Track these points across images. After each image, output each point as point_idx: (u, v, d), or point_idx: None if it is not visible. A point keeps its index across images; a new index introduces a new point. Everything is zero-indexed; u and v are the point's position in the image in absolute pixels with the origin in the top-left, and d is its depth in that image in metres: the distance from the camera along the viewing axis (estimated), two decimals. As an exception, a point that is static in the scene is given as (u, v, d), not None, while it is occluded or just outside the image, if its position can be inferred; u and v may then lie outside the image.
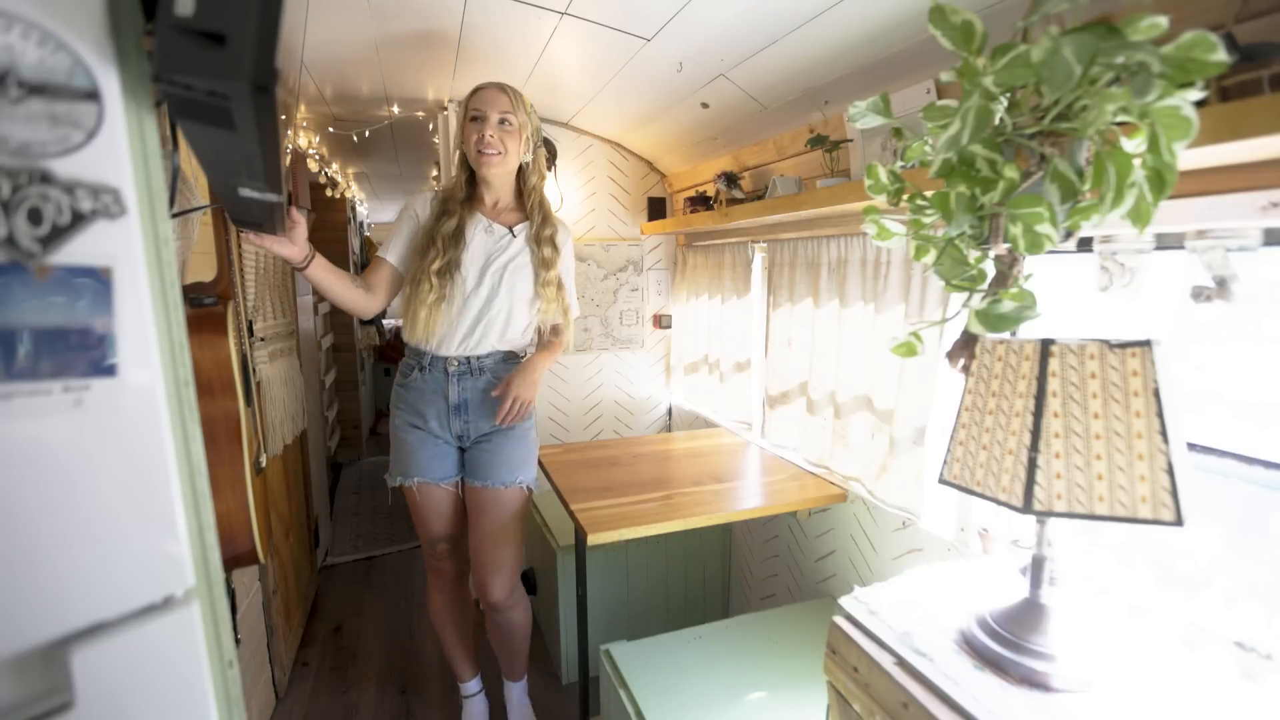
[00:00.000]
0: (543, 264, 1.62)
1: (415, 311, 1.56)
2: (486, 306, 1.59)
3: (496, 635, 1.80)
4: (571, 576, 2.04)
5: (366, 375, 5.03)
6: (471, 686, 1.90)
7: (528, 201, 1.64)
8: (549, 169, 1.72)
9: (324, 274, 1.43)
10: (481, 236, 1.60)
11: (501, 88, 1.53)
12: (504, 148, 1.53)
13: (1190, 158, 0.78)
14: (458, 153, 1.62)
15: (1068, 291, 1.14)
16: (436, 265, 1.55)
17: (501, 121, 1.52)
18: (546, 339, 1.72)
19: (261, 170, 0.56)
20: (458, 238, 1.58)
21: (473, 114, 1.52)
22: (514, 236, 1.62)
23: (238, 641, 1.62)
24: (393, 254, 1.62)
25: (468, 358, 1.61)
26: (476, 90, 1.53)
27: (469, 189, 1.64)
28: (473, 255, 1.58)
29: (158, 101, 0.43)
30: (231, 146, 0.47)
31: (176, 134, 0.81)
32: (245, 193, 0.61)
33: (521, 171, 1.63)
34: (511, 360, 1.66)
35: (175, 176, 0.73)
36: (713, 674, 1.50)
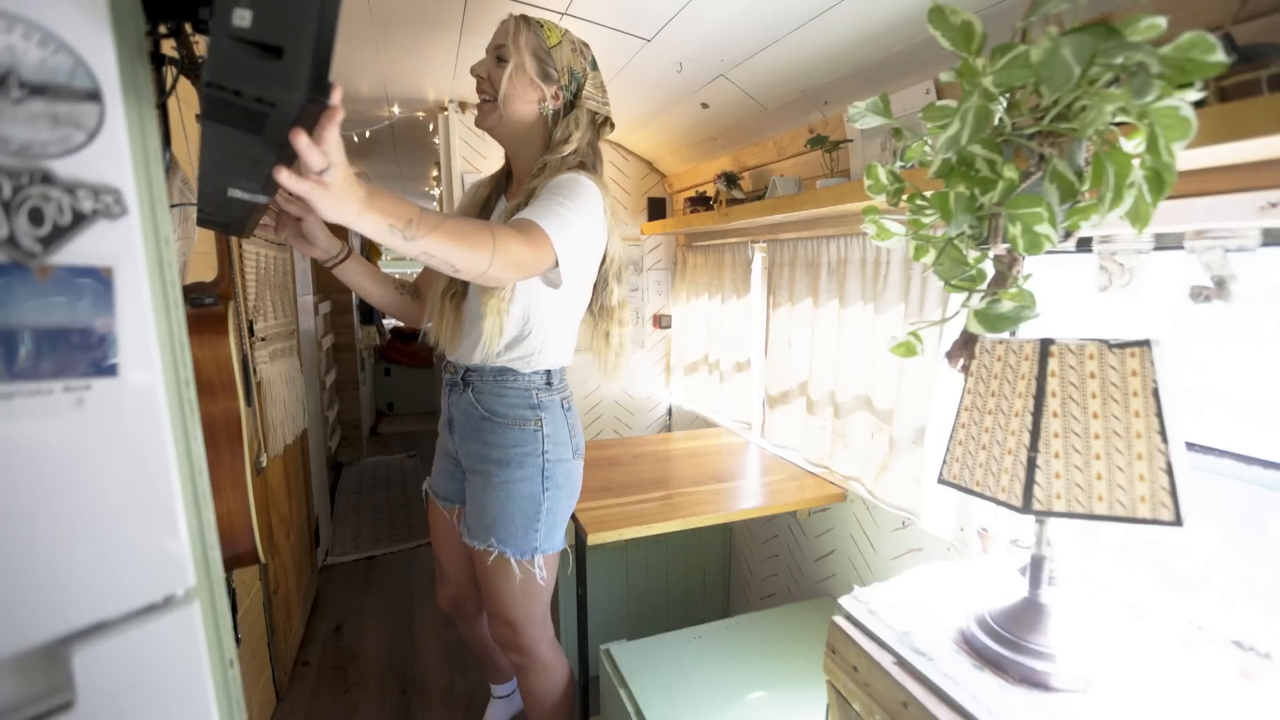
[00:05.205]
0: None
1: (430, 305, 1.32)
2: (470, 307, 1.29)
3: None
4: (571, 576, 2.04)
5: (367, 375, 5.03)
6: (500, 690, 1.80)
7: (537, 166, 1.21)
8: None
9: (359, 276, 1.25)
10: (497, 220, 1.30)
11: (511, 16, 1.19)
12: (492, 91, 1.17)
13: (1189, 158, 0.78)
14: None
15: (1067, 291, 1.14)
16: None
17: (498, 59, 1.17)
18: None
19: (266, 174, 0.56)
20: (483, 218, 1.32)
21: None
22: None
23: (238, 641, 1.62)
24: None
25: (458, 367, 1.34)
26: None
27: (507, 161, 1.36)
28: None
29: (159, 103, 0.43)
30: (246, 149, 0.47)
31: (170, 132, 0.81)
32: (235, 194, 0.61)
33: (549, 128, 1.23)
34: (508, 379, 1.29)
35: (168, 173, 0.73)
36: (713, 674, 1.50)
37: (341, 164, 0.69)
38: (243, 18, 0.35)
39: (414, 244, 0.84)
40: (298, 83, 0.37)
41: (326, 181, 0.68)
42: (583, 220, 1.10)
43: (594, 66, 1.25)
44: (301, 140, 0.62)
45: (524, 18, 1.18)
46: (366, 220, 0.78)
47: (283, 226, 1.09)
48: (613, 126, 1.30)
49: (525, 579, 1.30)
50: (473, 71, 1.20)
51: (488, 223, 0.98)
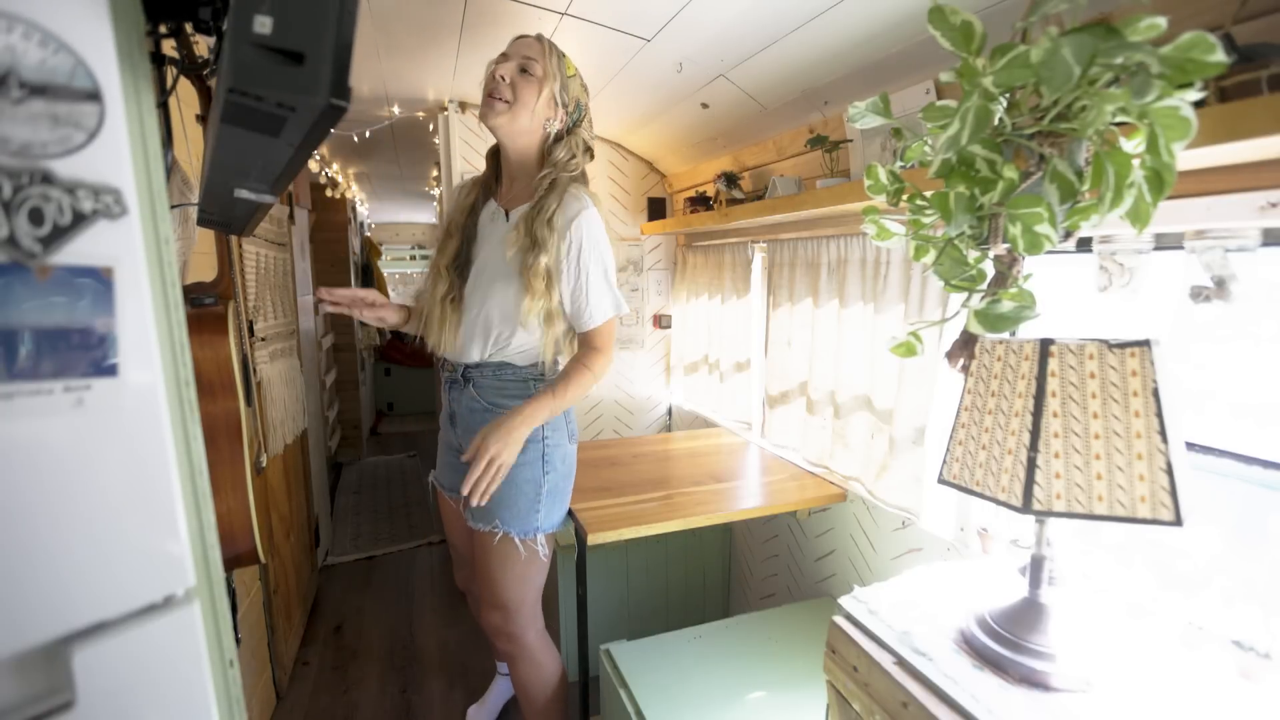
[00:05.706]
0: (531, 245, 1.29)
1: (428, 309, 1.41)
2: (467, 308, 1.38)
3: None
4: (571, 576, 2.04)
5: (367, 375, 5.04)
6: (505, 667, 1.86)
7: (541, 176, 1.34)
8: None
9: (409, 323, 1.50)
10: (486, 224, 1.41)
11: (538, 37, 1.32)
12: (513, 97, 1.27)
13: (1189, 158, 0.78)
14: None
15: (1067, 291, 1.14)
16: (446, 258, 1.40)
17: (522, 69, 1.28)
18: (569, 364, 1.37)
19: (275, 175, 0.56)
20: (470, 223, 1.42)
21: (499, 57, 1.32)
22: (507, 221, 1.38)
23: (238, 641, 1.62)
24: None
25: (457, 365, 1.43)
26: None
27: (494, 164, 1.46)
28: (478, 246, 1.41)
29: (160, 103, 0.43)
30: (260, 151, 0.47)
31: (170, 132, 0.81)
32: (242, 194, 0.61)
33: (548, 145, 1.37)
34: (507, 373, 1.39)
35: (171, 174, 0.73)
36: (713, 674, 1.50)
37: (505, 448, 1.25)
38: (263, 24, 0.35)
39: (557, 411, 1.33)
40: (319, 88, 0.37)
41: (503, 466, 1.26)
42: (607, 262, 1.36)
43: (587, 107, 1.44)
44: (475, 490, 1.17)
45: (554, 44, 1.33)
46: (535, 426, 1.31)
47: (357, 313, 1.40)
48: (592, 156, 1.45)
49: (527, 558, 1.40)
50: (494, 71, 1.29)
51: (584, 364, 1.34)
